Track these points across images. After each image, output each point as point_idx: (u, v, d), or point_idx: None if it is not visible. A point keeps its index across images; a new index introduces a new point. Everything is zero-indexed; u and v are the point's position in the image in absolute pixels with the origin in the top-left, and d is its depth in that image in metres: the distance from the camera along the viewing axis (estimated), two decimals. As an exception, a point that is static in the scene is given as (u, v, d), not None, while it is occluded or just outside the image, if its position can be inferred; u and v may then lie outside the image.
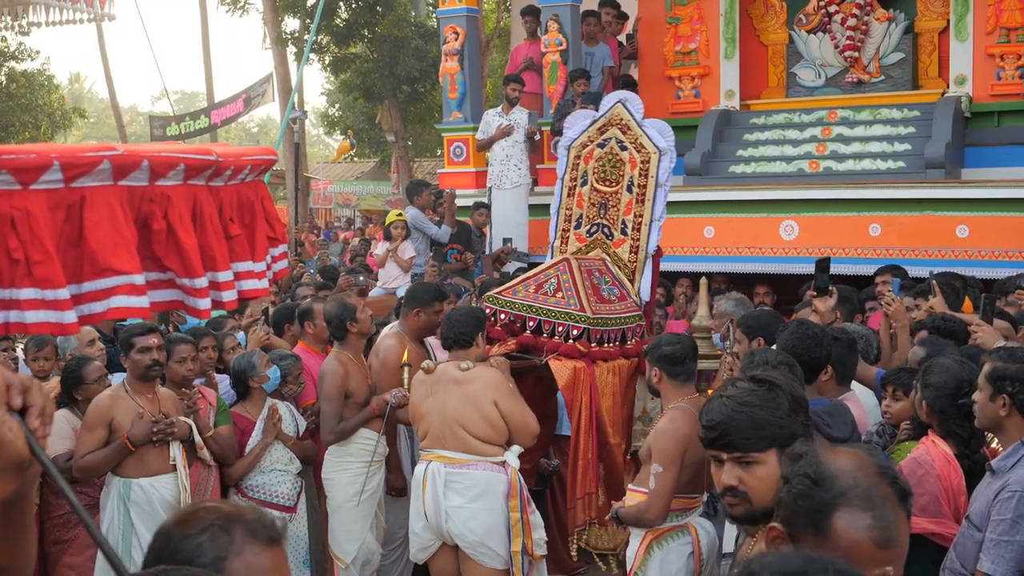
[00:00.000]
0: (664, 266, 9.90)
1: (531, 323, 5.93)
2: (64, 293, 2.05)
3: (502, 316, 5.97)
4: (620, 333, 6.01)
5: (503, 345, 5.90)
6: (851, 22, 10.64)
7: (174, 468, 5.44)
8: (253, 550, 1.83)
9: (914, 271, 8.09)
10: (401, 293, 8.35)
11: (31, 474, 1.58)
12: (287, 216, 25.88)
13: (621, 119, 6.56)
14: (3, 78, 28.64)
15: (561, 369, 5.74)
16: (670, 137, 6.49)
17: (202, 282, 2.32)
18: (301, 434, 6.23)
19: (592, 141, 6.66)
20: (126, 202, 2.16)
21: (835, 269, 6.71)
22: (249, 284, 2.53)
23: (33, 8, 16.75)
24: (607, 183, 6.56)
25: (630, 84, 12.04)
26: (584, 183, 6.64)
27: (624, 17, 12.71)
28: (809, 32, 11.01)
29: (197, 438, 5.59)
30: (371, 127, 30.94)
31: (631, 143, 6.50)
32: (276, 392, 6.18)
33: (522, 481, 5.54)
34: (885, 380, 4.81)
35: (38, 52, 29.84)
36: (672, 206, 10.03)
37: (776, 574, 1.56)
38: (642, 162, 6.45)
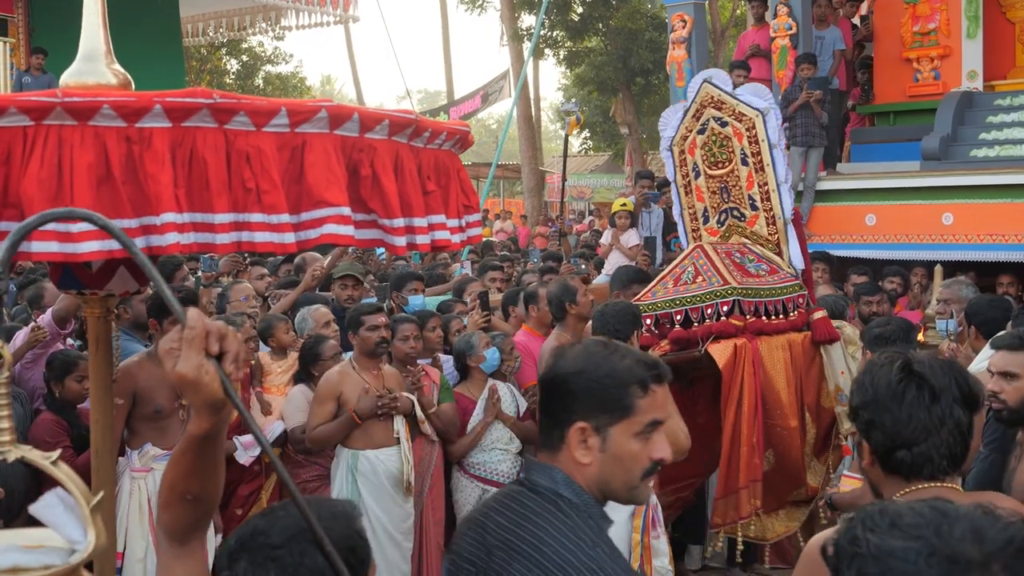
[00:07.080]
0: (899, 254, 9.62)
1: (678, 316, 5.64)
2: (286, 218, 2.41)
3: (647, 321, 5.70)
4: (780, 304, 5.70)
5: (657, 348, 5.59)
6: (1109, -6, 9.96)
7: (398, 441, 5.69)
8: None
9: None
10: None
11: (224, 415, 1.76)
12: (523, 208, 26.32)
13: (712, 97, 6.16)
14: (260, 81, 30.51)
15: (722, 351, 5.42)
16: (767, 96, 6.06)
17: (399, 222, 2.63)
18: (522, 415, 6.36)
19: (691, 131, 6.29)
20: (339, 149, 2.51)
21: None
22: (442, 235, 2.81)
23: (285, 13, 17.77)
24: (719, 165, 6.18)
25: (867, 66, 11.67)
26: (697, 175, 6.30)
27: (858, -2, 12.31)
28: (1062, 6, 10.38)
29: (419, 413, 5.81)
30: (605, 120, 31.06)
31: (730, 115, 6.10)
32: (498, 373, 6.34)
33: (652, 500, 4.89)
34: None
35: (291, 56, 31.61)
36: (908, 192, 9.80)
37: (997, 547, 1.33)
38: (747, 129, 6.03)
